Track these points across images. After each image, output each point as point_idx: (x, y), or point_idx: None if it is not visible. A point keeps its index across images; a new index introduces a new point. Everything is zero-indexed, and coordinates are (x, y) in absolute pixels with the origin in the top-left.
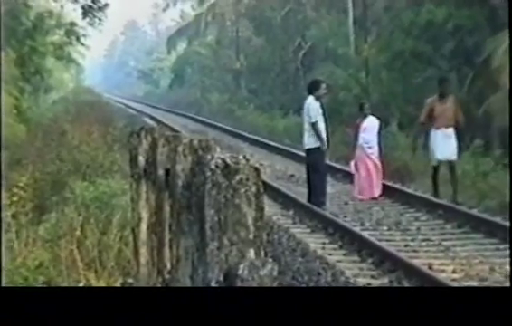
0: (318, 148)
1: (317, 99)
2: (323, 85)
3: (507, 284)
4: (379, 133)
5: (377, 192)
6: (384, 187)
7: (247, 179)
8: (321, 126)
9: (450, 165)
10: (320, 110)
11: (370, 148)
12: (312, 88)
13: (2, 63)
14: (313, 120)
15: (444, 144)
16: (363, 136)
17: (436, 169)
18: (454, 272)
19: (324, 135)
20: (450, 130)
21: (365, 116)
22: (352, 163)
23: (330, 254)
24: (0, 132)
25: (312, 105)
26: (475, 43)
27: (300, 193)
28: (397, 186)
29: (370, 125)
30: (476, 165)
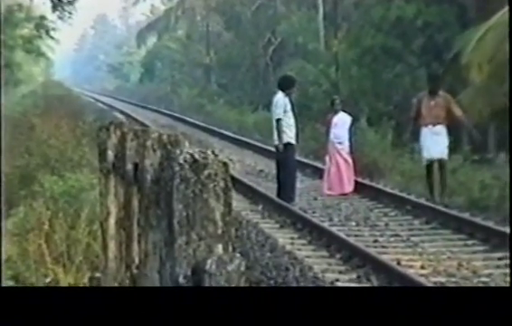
0: (288, 143)
1: (287, 94)
2: (294, 83)
3: (475, 280)
4: (350, 129)
5: (348, 188)
6: (355, 184)
7: (215, 174)
8: (290, 122)
9: (440, 164)
10: (289, 106)
11: (340, 143)
12: (282, 83)
13: (2, 63)
14: (278, 117)
15: (431, 142)
16: (334, 131)
17: (429, 168)
18: (422, 267)
19: (293, 131)
20: (439, 128)
21: (336, 112)
22: (326, 158)
23: (299, 250)
24: (0, 132)
25: (280, 101)
26: (444, 39)
27: (270, 188)
28: (366, 181)
29: (341, 121)
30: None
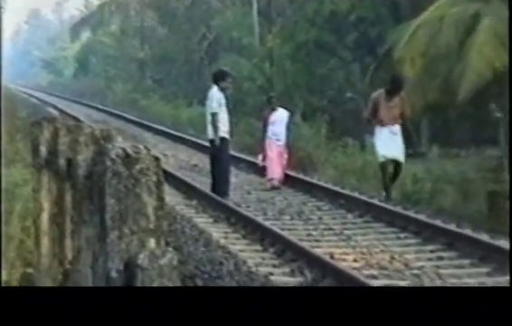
0: (222, 138)
1: (221, 89)
2: (228, 76)
3: (407, 273)
4: (288, 126)
5: (279, 178)
6: (287, 177)
7: (147, 169)
8: (225, 116)
9: (395, 164)
10: (223, 101)
11: (278, 140)
12: (217, 78)
13: (2, 62)
14: (212, 111)
15: (390, 142)
16: (272, 129)
17: (384, 169)
18: (355, 260)
19: (227, 125)
20: (397, 128)
21: (273, 109)
22: (260, 156)
23: (233, 244)
24: (0, 131)
25: (215, 95)
26: (378, 34)
27: (204, 183)
28: (300, 176)
29: (279, 118)
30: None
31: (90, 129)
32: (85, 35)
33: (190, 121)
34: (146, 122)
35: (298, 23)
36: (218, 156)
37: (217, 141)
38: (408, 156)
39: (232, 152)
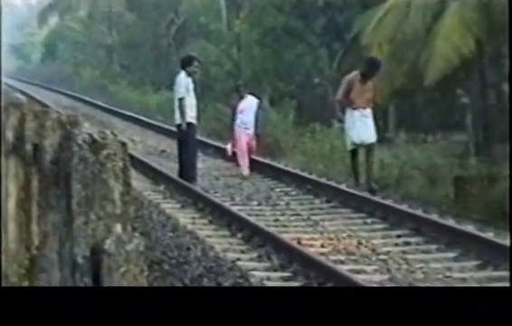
0: (189, 123)
1: (189, 74)
2: (195, 62)
3: (374, 258)
4: (257, 114)
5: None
6: (255, 163)
7: (114, 154)
8: (192, 102)
9: (368, 148)
10: (191, 86)
11: (247, 129)
12: (185, 63)
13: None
14: (180, 96)
15: (361, 126)
16: (240, 117)
17: (354, 153)
18: (323, 246)
19: (194, 111)
20: (368, 111)
21: (242, 97)
22: (229, 145)
23: (200, 230)
24: (0, 130)
25: (182, 80)
26: (345, 19)
27: (171, 168)
28: (267, 161)
29: (248, 106)
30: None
31: (57, 115)
32: (53, 21)
33: (158, 107)
34: (114, 108)
35: (265, 8)
36: (185, 141)
37: (184, 126)
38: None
39: (200, 137)
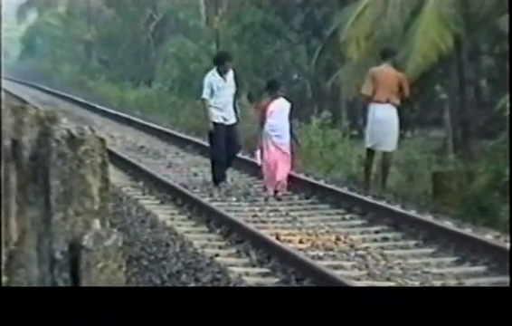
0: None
1: (220, 73)
2: (227, 61)
3: (352, 254)
4: (290, 119)
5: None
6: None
7: (92, 150)
8: (222, 101)
9: (384, 155)
10: (221, 84)
11: (278, 136)
12: (215, 61)
13: (1, 60)
14: (202, 97)
15: (379, 128)
16: (269, 121)
17: (369, 153)
18: (301, 242)
19: (226, 110)
20: (389, 107)
21: (275, 98)
22: (258, 152)
23: (179, 225)
24: (0, 128)
25: (206, 80)
26: (324, 15)
27: (150, 164)
28: (246, 157)
29: (278, 108)
30: (324, 136)
31: (35, 111)
32: (32, 17)
33: (137, 103)
34: (92, 104)
35: (244, 4)
36: (211, 141)
37: (211, 126)
38: (353, 137)
39: (178, 134)
